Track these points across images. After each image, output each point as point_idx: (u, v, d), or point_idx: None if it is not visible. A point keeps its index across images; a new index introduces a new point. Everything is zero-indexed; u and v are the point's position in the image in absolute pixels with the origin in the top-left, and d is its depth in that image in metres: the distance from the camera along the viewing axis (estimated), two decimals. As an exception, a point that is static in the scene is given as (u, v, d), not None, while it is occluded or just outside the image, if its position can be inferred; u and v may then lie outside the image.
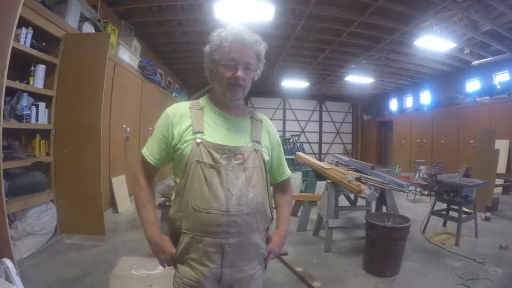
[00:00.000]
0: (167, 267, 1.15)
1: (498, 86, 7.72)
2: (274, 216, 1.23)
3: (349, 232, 4.00)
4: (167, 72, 9.54)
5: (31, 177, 3.01)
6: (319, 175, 4.15)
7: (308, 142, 14.82)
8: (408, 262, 3.06)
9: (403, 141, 11.34)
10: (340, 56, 8.23)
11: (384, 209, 3.95)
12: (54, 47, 3.28)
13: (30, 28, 2.86)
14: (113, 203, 4.69)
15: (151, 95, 6.47)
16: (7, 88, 2.41)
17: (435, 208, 4.09)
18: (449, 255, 3.27)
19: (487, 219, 4.60)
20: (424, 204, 5.70)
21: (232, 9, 4.74)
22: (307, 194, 4.20)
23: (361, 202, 4.22)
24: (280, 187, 1.33)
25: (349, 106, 15.50)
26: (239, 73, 1.05)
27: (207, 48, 1.11)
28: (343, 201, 4.33)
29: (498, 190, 5.79)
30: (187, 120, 1.09)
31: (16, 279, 1.66)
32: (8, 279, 1.62)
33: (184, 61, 8.89)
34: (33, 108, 3.03)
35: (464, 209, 3.79)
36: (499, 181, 5.68)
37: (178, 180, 1.08)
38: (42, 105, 3.14)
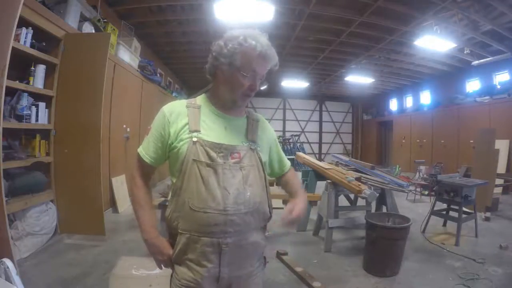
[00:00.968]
0: (164, 268, 1.14)
1: (498, 86, 7.72)
2: (273, 216, 1.22)
3: (349, 232, 3.99)
4: (167, 72, 9.54)
5: (31, 177, 3.01)
6: (319, 175, 4.15)
7: (308, 142, 14.82)
8: (408, 262, 3.05)
9: (403, 141, 11.34)
10: (340, 56, 8.23)
11: (384, 209, 3.95)
12: (54, 47, 3.28)
13: (30, 28, 2.86)
14: (113, 203, 4.69)
15: (151, 95, 6.47)
16: (7, 88, 2.41)
17: (435, 208, 4.09)
18: (449, 255, 3.27)
19: (487, 219, 4.60)
20: (424, 204, 5.70)
21: (232, 9, 4.75)
22: (307, 194, 4.19)
23: (361, 202, 4.21)
24: (284, 177, 1.36)
25: (349, 106, 15.49)
26: (257, 86, 1.08)
27: (220, 46, 1.06)
28: (343, 201, 4.33)
29: (498, 190, 5.79)
30: (183, 118, 1.08)
31: (16, 279, 1.66)
32: (8, 279, 1.62)
33: (184, 61, 8.89)
34: (33, 108, 3.03)
35: (464, 209, 3.79)
36: (499, 181, 5.68)
37: (174, 180, 1.07)
38: (42, 105, 3.14)
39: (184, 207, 1.02)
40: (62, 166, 3.31)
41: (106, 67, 3.38)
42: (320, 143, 15.16)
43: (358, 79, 9.97)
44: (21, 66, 2.90)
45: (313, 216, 4.06)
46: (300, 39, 6.98)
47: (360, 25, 5.96)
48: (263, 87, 1.18)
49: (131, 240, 3.47)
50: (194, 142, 1.03)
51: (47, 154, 3.25)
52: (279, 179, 1.37)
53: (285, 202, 3.75)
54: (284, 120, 14.57)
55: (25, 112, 2.92)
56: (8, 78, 2.33)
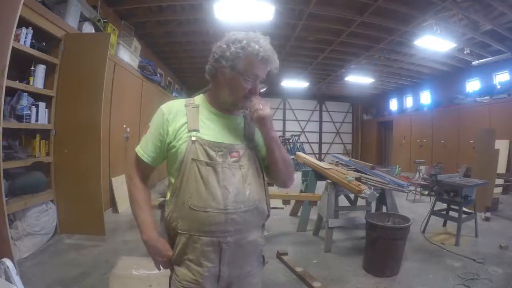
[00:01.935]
0: (162, 269, 1.13)
1: (498, 86, 7.72)
2: (271, 214, 1.22)
3: (349, 232, 3.99)
4: (167, 72, 9.54)
5: (31, 177, 3.01)
6: (319, 175, 4.15)
7: (308, 142, 14.83)
8: (408, 262, 3.05)
9: (403, 141, 11.34)
10: (340, 56, 8.23)
11: (384, 209, 3.95)
12: (54, 47, 3.28)
13: (30, 28, 2.86)
14: (113, 203, 4.69)
15: (151, 95, 6.47)
16: (7, 88, 2.41)
17: (435, 208, 4.09)
18: (449, 255, 3.27)
19: (487, 219, 4.60)
20: (424, 204, 5.69)
21: (232, 9, 4.74)
22: (307, 194, 4.19)
23: (361, 202, 4.21)
24: None
25: (349, 106, 15.50)
26: (258, 89, 1.08)
27: (222, 49, 1.05)
28: (343, 201, 4.33)
29: (498, 190, 5.78)
30: (182, 117, 1.08)
31: (16, 279, 1.66)
32: (8, 279, 1.62)
33: (184, 61, 8.89)
34: (33, 108, 3.03)
35: (464, 209, 3.78)
36: (499, 181, 5.67)
37: (173, 180, 1.07)
38: (42, 105, 3.14)
39: (184, 207, 1.02)
40: (62, 166, 3.31)
41: (106, 67, 3.38)
42: (320, 143, 15.16)
43: (358, 79, 9.97)
44: (21, 66, 2.90)
45: (313, 216, 4.06)
46: (300, 39, 6.98)
47: (360, 25, 5.96)
48: (262, 90, 1.18)
49: (131, 240, 3.46)
50: (193, 141, 1.03)
51: (47, 154, 3.25)
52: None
53: (285, 202, 3.75)
54: (284, 120, 14.58)
55: (25, 112, 2.92)
56: (8, 78, 2.33)
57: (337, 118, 15.37)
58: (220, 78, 1.09)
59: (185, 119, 1.07)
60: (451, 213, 3.99)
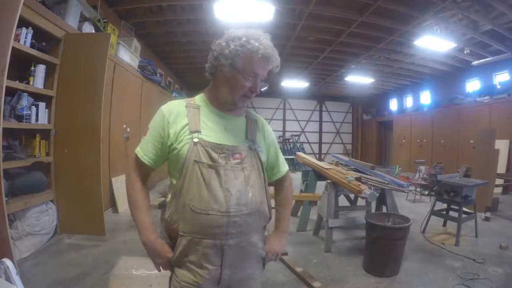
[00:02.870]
0: (162, 270, 1.13)
1: (498, 86, 7.72)
2: (273, 216, 1.22)
3: (349, 232, 3.99)
4: (167, 72, 9.54)
5: (31, 177, 3.01)
6: (319, 175, 4.15)
7: (308, 142, 14.82)
8: (408, 262, 3.05)
9: (403, 141, 11.34)
10: (340, 56, 8.23)
11: (384, 209, 3.95)
12: (54, 47, 3.27)
13: (30, 28, 2.85)
14: (113, 203, 4.69)
15: (151, 95, 6.47)
16: (7, 88, 2.41)
17: (435, 208, 4.08)
18: (449, 255, 3.27)
19: (487, 219, 4.60)
20: (424, 204, 5.69)
21: (232, 9, 4.74)
22: (307, 194, 4.19)
23: (361, 202, 4.21)
24: (277, 184, 1.31)
25: (349, 106, 15.49)
26: (258, 88, 1.06)
27: (222, 47, 1.04)
28: (343, 201, 4.33)
29: (498, 190, 5.79)
30: (183, 119, 1.06)
31: (16, 279, 1.66)
32: (8, 279, 1.62)
33: (184, 61, 8.89)
34: (33, 108, 3.03)
35: (464, 209, 3.79)
36: (499, 181, 5.67)
37: (174, 181, 1.05)
38: (42, 105, 3.14)
39: (185, 209, 1.01)
40: (62, 166, 3.31)
41: (106, 67, 3.37)
42: (320, 143, 15.15)
43: (358, 79, 9.97)
44: (21, 66, 2.90)
45: (313, 216, 4.06)
46: (300, 39, 6.98)
47: (360, 25, 5.96)
48: (263, 88, 1.17)
49: (131, 240, 3.46)
50: (195, 143, 1.02)
51: (47, 154, 3.25)
52: (275, 186, 1.32)
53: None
54: (284, 120, 14.56)
55: (25, 112, 2.92)
56: (8, 78, 2.33)
57: (337, 118, 15.37)
58: (219, 76, 1.07)
59: (186, 121, 1.06)
60: (451, 213, 3.99)
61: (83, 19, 3.94)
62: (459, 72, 8.88)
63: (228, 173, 1.02)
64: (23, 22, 2.71)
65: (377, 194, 3.55)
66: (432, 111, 9.90)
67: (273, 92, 12.94)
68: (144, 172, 1.13)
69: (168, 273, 1.13)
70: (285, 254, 3.10)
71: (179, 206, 1.03)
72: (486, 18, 5.49)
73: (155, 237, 1.09)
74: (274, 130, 1.32)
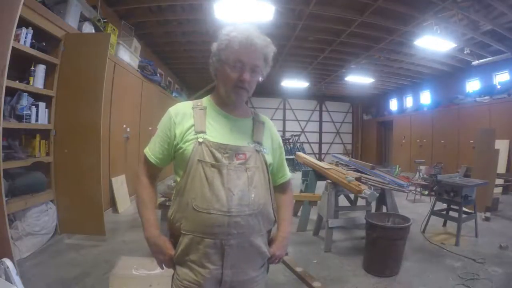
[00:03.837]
0: (165, 268, 1.14)
1: (498, 86, 7.72)
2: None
3: (349, 232, 4.00)
4: (167, 72, 9.54)
5: (31, 177, 3.01)
6: (319, 175, 4.15)
7: (308, 142, 14.82)
8: (408, 262, 3.06)
9: (403, 141, 11.34)
10: (340, 56, 8.23)
11: (384, 209, 3.95)
12: (54, 47, 3.27)
13: (30, 28, 2.85)
14: (113, 203, 4.69)
15: (151, 95, 6.47)
16: (7, 88, 2.40)
17: (435, 208, 4.09)
18: (449, 255, 3.27)
19: (487, 219, 4.60)
20: (424, 204, 5.70)
21: (232, 9, 4.74)
22: (307, 194, 4.20)
23: (361, 202, 4.22)
24: (280, 188, 1.31)
25: (349, 106, 15.50)
26: (246, 76, 1.04)
27: (214, 46, 1.09)
28: (343, 201, 4.33)
29: (498, 190, 5.79)
30: (189, 119, 1.09)
31: (16, 279, 1.66)
32: (8, 279, 1.62)
33: (184, 61, 8.89)
34: (33, 108, 3.03)
35: (464, 209, 3.79)
36: (499, 181, 5.68)
37: (178, 180, 1.07)
38: (42, 105, 3.14)
39: (188, 207, 1.02)
40: (62, 166, 3.31)
41: (106, 67, 3.37)
42: (320, 143, 15.16)
43: (358, 79, 9.97)
44: (21, 66, 2.90)
45: (313, 216, 4.06)
46: (300, 39, 6.98)
47: (360, 25, 5.96)
48: (264, 74, 1.14)
49: (131, 240, 3.47)
50: (200, 143, 1.03)
51: (47, 154, 3.25)
52: (275, 189, 1.30)
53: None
54: (284, 120, 14.57)
55: (25, 112, 2.92)
56: (8, 78, 2.33)
57: (337, 118, 15.36)
58: (215, 73, 1.13)
59: (192, 121, 1.08)
60: (451, 213, 3.99)
61: (83, 19, 3.94)
62: (459, 72, 8.88)
63: (231, 173, 1.02)
64: (23, 22, 2.71)
65: (377, 194, 3.55)
66: (432, 111, 9.90)
67: (273, 92, 12.95)
68: (152, 171, 1.18)
69: (169, 273, 1.13)
70: (286, 254, 3.10)
71: (182, 204, 1.04)
72: (486, 18, 5.49)
73: (157, 233, 1.11)
74: (279, 134, 1.32)
